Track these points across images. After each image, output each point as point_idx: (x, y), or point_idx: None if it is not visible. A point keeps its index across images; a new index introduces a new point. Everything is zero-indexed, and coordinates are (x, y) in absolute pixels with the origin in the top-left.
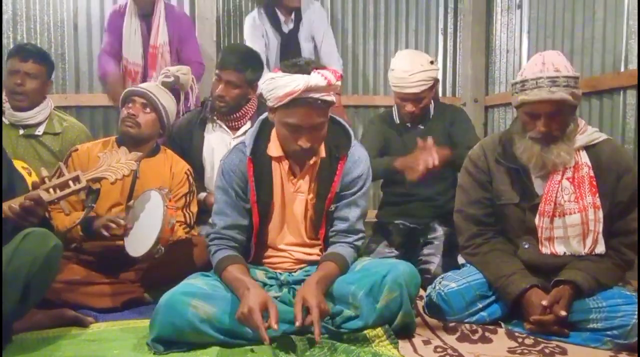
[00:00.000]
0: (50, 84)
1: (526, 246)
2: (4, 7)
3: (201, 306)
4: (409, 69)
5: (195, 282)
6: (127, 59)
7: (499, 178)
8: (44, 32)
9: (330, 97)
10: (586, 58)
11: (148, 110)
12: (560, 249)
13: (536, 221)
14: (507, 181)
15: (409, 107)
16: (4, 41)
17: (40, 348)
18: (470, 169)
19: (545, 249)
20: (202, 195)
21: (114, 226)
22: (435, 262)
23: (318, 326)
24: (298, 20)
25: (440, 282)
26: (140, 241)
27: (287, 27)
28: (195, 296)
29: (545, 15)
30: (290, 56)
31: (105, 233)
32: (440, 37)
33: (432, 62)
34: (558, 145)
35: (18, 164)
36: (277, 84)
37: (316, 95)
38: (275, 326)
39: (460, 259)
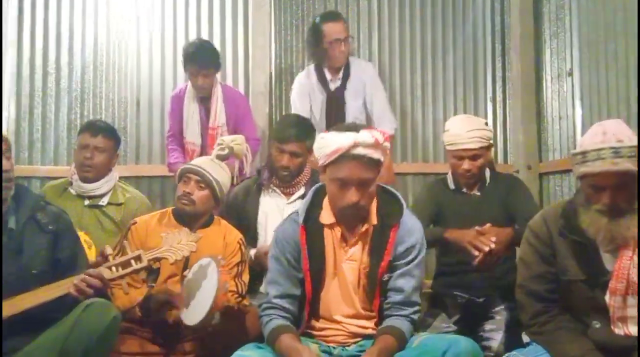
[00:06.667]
0: (117, 158)
1: (597, 326)
2: (73, 85)
3: None
4: (464, 126)
5: (248, 353)
6: (187, 139)
7: (564, 252)
8: (109, 107)
9: (378, 156)
10: None
11: (202, 186)
12: (634, 329)
13: (607, 299)
14: (572, 255)
15: (466, 165)
16: (72, 116)
17: None
18: (532, 241)
19: (618, 330)
20: (252, 251)
21: (170, 301)
22: (497, 338)
23: None
24: (346, 78)
25: None
26: (196, 309)
27: (333, 85)
28: None
29: (597, 82)
30: (335, 112)
31: (162, 312)
32: (490, 105)
33: (486, 124)
34: (627, 218)
35: (80, 237)
36: (327, 142)
37: (363, 152)
38: None
39: (525, 337)
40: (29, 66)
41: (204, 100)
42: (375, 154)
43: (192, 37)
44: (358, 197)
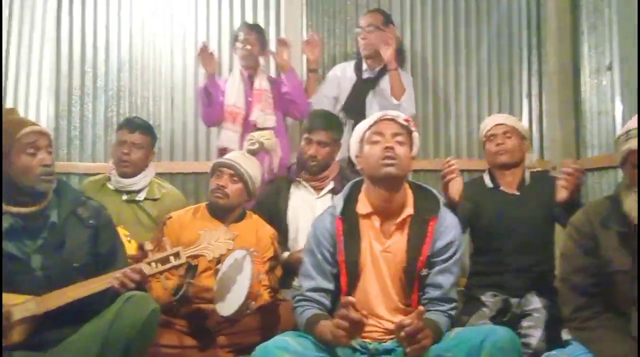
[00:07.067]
0: (154, 154)
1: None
2: (110, 84)
3: None
4: (496, 115)
5: (288, 339)
6: (229, 103)
7: (607, 244)
8: (144, 105)
9: (407, 124)
10: None
11: (236, 179)
12: None
13: None
14: (616, 246)
15: (499, 139)
16: (108, 114)
17: None
18: (574, 235)
19: None
20: (285, 254)
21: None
22: (536, 335)
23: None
24: (381, 74)
25: None
26: (231, 300)
27: (367, 74)
28: (288, 351)
29: (638, 76)
30: (359, 96)
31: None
32: (525, 101)
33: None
34: None
35: (120, 231)
36: (361, 124)
37: (394, 114)
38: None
39: (565, 335)
40: (68, 65)
41: (250, 76)
42: (404, 123)
43: (225, 36)
44: (393, 150)
